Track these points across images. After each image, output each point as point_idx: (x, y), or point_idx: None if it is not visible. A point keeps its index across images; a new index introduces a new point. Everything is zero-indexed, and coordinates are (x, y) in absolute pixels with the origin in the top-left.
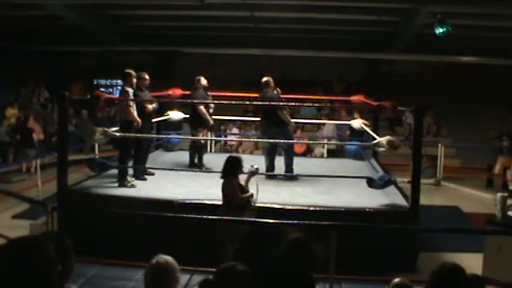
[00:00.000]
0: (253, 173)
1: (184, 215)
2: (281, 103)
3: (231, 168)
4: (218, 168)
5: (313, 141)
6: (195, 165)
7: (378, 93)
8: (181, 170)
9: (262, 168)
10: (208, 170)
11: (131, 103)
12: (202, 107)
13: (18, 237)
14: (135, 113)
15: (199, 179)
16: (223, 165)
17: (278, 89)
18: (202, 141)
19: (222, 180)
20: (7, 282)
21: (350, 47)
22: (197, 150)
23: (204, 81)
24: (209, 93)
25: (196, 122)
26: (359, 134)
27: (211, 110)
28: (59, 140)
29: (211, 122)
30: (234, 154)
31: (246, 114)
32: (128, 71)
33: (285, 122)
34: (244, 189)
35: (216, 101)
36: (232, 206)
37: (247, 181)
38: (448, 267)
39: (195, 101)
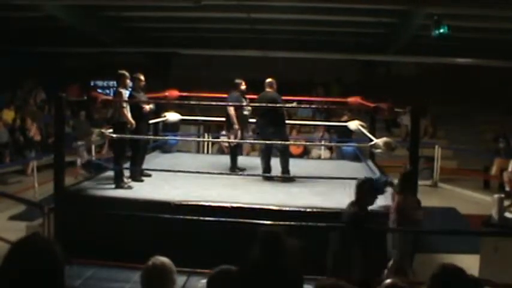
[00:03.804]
0: None
1: (181, 217)
2: (281, 104)
3: (411, 183)
4: (213, 169)
5: (310, 143)
6: (238, 168)
7: (375, 95)
8: (178, 171)
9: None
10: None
11: (124, 104)
12: (231, 109)
13: (25, 238)
14: (128, 115)
15: (197, 181)
16: (402, 180)
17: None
18: (233, 143)
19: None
20: (17, 283)
21: (347, 49)
22: (232, 152)
23: (243, 85)
24: (246, 97)
25: (227, 124)
26: (346, 134)
27: (245, 112)
28: (55, 141)
29: (237, 126)
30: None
31: None
32: (121, 72)
33: (281, 123)
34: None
35: (213, 103)
36: (407, 223)
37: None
38: (450, 270)
39: (191, 102)
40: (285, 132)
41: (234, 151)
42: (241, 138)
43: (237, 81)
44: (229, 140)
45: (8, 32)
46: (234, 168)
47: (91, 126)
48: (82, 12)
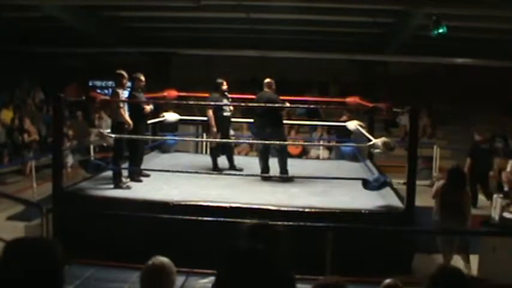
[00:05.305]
0: None
1: (180, 217)
2: (279, 104)
3: (464, 181)
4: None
5: (308, 143)
6: (215, 168)
7: (373, 95)
8: (177, 171)
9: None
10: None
11: (122, 104)
12: (210, 111)
13: (24, 237)
14: (126, 115)
15: (195, 181)
16: (454, 177)
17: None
18: (213, 145)
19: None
20: (16, 283)
21: (345, 49)
22: (218, 153)
23: (224, 85)
24: (228, 97)
25: (207, 125)
26: (345, 134)
27: (225, 113)
28: (54, 141)
29: (214, 128)
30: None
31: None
32: (119, 71)
33: (279, 123)
34: None
35: (212, 103)
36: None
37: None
38: (448, 270)
39: (190, 102)
40: (283, 132)
41: (214, 152)
42: (223, 139)
43: (218, 81)
44: (216, 140)
45: (7, 32)
46: (215, 169)
47: (89, 126)
48: (81, 12)
